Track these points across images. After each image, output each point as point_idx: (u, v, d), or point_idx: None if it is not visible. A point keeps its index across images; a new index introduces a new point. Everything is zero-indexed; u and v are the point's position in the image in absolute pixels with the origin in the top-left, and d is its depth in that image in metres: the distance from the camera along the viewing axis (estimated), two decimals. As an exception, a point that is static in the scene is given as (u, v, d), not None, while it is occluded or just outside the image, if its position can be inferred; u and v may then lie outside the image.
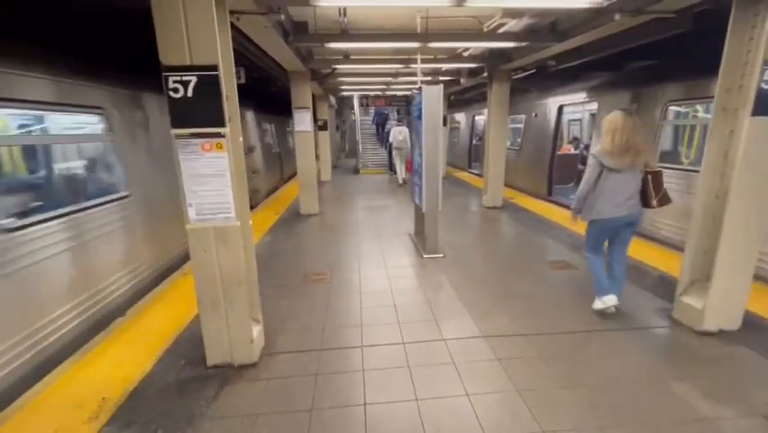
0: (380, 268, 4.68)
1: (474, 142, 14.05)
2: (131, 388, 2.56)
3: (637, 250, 4.97)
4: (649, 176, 3.08)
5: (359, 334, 3.21)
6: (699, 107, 5.42)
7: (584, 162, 8.13)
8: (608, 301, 3.28)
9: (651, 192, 3.09)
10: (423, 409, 2.34)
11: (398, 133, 10.47)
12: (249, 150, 9.07)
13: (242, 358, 2.79)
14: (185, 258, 4.98)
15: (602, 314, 3.38)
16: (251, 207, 10.49)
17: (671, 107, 5.50)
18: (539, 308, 3.56)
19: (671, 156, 5.83)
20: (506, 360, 2.80)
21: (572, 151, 10.36)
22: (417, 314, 3.53)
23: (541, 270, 4.50)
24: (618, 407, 2.33)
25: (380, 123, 14.65)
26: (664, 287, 3.81)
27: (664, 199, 3.12)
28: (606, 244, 3.38)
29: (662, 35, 4.25)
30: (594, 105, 7.40)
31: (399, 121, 11.66)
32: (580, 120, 12.14)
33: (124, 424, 2.26)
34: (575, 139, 11.07)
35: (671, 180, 5.27)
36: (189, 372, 2.73)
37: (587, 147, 8.34)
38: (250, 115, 9.49)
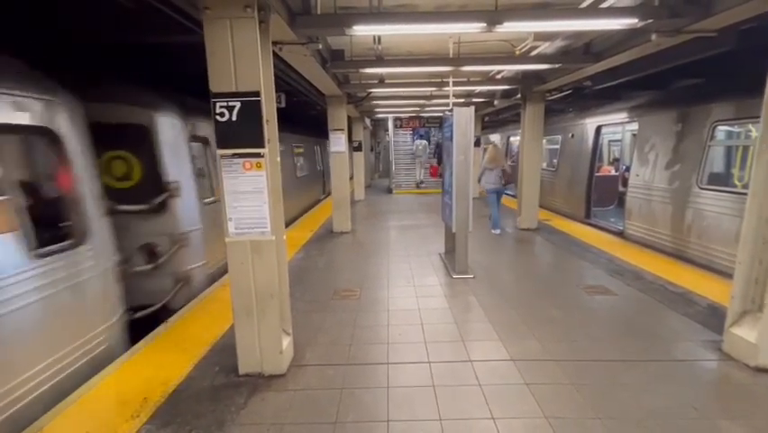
0: (409, 286, 4.70)
1: (509, 163, 13.86)
2: (169, 390, 2.72)
3: (684, 277, 4.68)
4: (503, 171, 7.12)
5: (385, 351, 3.23)
6: (752, 127, 5.11)
7: (625, 184, 7.81)
8: (498, 230, 7.24)
9: (503, 179, 7.14)
10: (446, 430, 2.31)
11: (419, 144, 14.53)
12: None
13: (272, 368, 2.89)
14: None
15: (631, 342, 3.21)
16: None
17: (719, 127, 5.22)
18: (573, 334, 3.43)
19: (721, 179, 5.50)
20: (535, 385, 2.71)
21: (613, 172, 9.97)
22: (444, 334, 3.50)
23: (576, 294, 4.33)
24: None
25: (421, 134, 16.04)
26: (714, 318, 3.55)
27: (508, 181, 7.29)
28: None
29: (703, 54, 4.12)
30: (635, 126, 7.15)
31: (420, 137, 15.28)
32: (620, 141, 11.70)
33: (163, 423, 2.40)
34: (616, 160, 10.67)
35: (720, 205, 4.97)
36: (222, 378, 2.86)
37: (628, 168, 8.01)
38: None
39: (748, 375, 2.78)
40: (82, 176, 2.98)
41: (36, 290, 2.48)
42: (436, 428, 2.33)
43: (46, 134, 2.76)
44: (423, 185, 14.33)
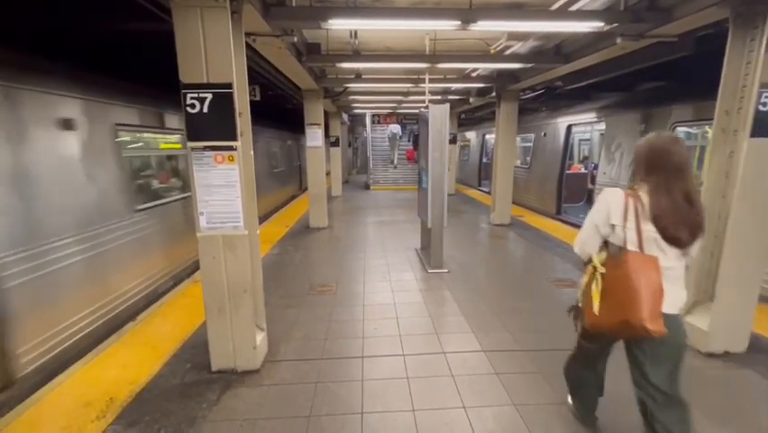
0: (385, 281, 4.73)
1: (484, 160, 14.14)
2: (137, 389, 2.65)
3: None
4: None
5: (360, 345, 3.26)
6: (708, 128, 5.43)
7: (594, 182, 8.13)
8: None
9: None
10: (419, 420, 2.36)
11: (393, 128, 15.11)
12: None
13: (245, 364, 2.86)
14: None
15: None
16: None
17: (678, 128, 5.52)
18: (541, 325, 3.56)
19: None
20: (504, 374, 2.81)
21: (582, 170, 10.36)
22: (419, 327, 3.56)
23: (545, 287, 4.50)
24: (617, 425, 2.31)
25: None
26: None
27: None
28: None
29: (665, 58, 4.33)
30: (603, 126, 7.45)
31: (395, 123, 16.18)
32: (589, 140, 12.15)
33: (129, 423, 2.34)
34: (585, 158, 11.07)
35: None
36: (194, 375, 2.81)
37: (596, 166, 8.34)
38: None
39: (700, 361, 2.97)
40: None
41: None
42: (409, 418, 2.38)
43: None
44: (400, 181, 14.75)
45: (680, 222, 1.66)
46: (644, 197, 1.71)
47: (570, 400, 2.40)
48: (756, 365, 2.87)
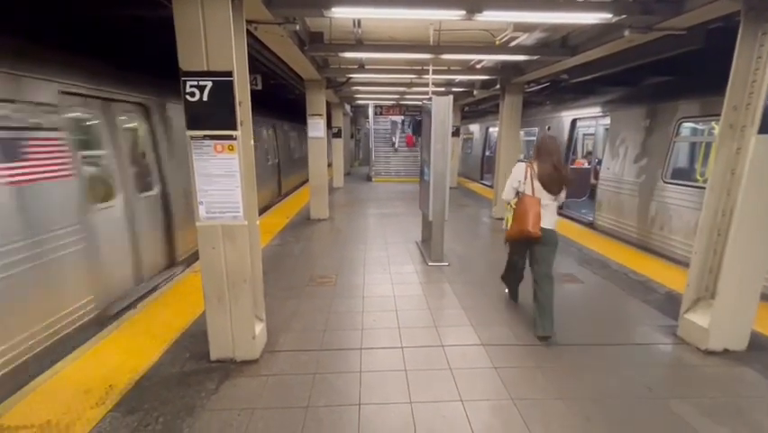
0: (385, 274, 4.73)
1: (487, 153, 14.05)
2: (137, 377, 2.66)
3: (646, 266, 4.91)
4: None
5: (359, 337, 3.26)
6: (714, 124, 5.35)
7: (597, 177, 8.06)
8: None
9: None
10: (416, 412, 2.37)
11: (394, 117, 15.63)
12: None
13: (244, 354, 2.87)
14: None
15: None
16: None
17: (684, 124, 5.45)
18: (541, 320, 3.55)
19: (684, 174, 5.75)
20: (503, 369, 2.81)
21: (586, 165, 10.27)
22: (418, 320, 3.56)
23: (546, 282, 4.47)
24: (613, 421, 2.31)
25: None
26: (671, 304, 3.75)
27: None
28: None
29: (673, 52, 4.25)
30: (607, 121, 7.36)
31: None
32: (594, 134, 12.03)
33: (128, 411, 2.35)
34: (589, 153, 10.97)
35: (682, 198, 5.20)
36: (193, 365, 2.82)
37: (599, 162, 8.26)
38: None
39: (699, 358, 2.97)
40: None
41: None
42: (406, 410, 2.39)
43: None
44: (402, 173, 14.94)
45: (551, 181, 3.18)
46: (536, 166, 3.21)
47: (507, 291, 4.01)
48: (755, 363, 2.86)
